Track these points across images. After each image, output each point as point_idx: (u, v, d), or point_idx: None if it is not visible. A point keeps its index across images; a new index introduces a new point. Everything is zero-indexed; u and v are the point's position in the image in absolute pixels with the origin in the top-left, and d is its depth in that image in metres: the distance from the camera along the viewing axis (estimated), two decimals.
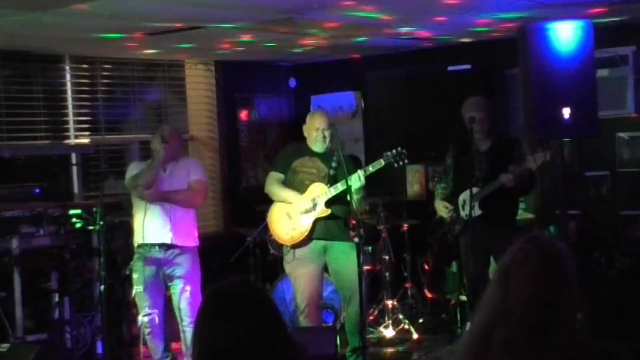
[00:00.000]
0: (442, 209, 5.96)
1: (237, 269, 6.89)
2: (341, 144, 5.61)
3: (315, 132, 5.65)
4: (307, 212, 5.59)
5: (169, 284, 5.59)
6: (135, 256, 5.58)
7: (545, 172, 5.68)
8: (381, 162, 5.54)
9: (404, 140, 7.80)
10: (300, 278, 5.67)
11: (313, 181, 5.67)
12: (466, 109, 5.76)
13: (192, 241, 5.65)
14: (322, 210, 5.59)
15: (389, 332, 6.73)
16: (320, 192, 5.61)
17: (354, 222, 5.64)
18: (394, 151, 5.58)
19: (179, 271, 5.53)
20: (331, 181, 5.62)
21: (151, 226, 5.50)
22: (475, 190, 5.64)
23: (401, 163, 5.62)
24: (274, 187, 5.77)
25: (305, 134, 5.77)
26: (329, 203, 5.59)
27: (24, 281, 5.85)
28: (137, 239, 5.58)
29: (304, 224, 5.61)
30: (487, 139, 5.81)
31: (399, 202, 7.48)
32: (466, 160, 5.75)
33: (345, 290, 5.64)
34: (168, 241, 5.50)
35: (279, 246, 6.01)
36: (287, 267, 5.79)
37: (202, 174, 5.79)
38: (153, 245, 5.50)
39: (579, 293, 2.28)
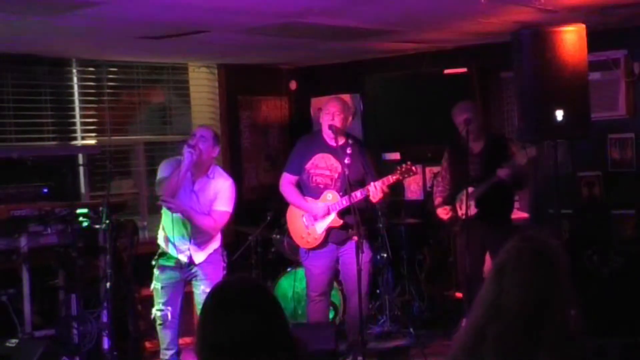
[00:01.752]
0: (441, 212, 6.04)
1: (240, 267, 6.89)
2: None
3: (330, 116, 5.54)
4: (322, 217, 5.58)
5: (192, 282, 5.54)
6: (159, 252, 5.47)
7: (533, 168, 5.73)
8: (390, 180, 5.44)
9: (402, 141, 7.85)
10: (313, 269, 5.71)
11: (327, 185, 5.63)
12: (457, 113, 5.81)
13: (213, 244, 5.47)
14: (334, 221, 5.59)
15: (387, 328, 6.73)
16: (333, 201, 5.58)
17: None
18: (403, 166, 5.52)
19: (199, 276, 5.46)
20: (345, 182, 5.52)
21: (173, 236, 5.36)
22: (470, 190, 5.66)
23: (407, 177, 5.63)
24: (288, 192, 5.73)
25: (321, 120, 5.68)
26: (341, 213, 5.57)
27: (32, 278, 5.85)
28: (161, 242, 5.48)
29: (318, 232, 5.62)
30: (479, 140, 5.85)
31: (397, 202, 7.49)
32: (461, 162, 5.77)
33: (349, 284, 5.66)
34: (186, 260, 5.37)
35: (295, 248, 6.04)
36: (303, 261, 5.83)
37: (229, 204, 5.40)
38: (174, 257, 5.43)
39: (572, 290, 2.29)
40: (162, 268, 5.44)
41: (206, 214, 5.33)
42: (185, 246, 5.36)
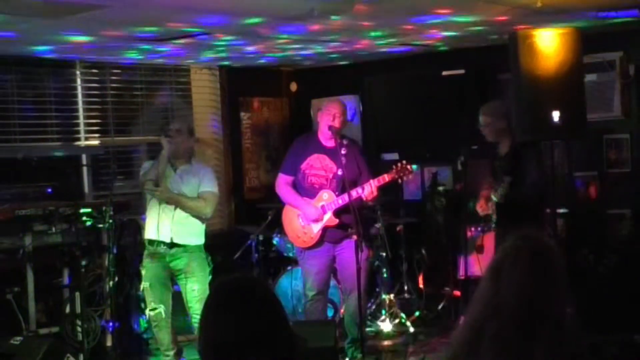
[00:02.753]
0: (479, 207, 5.81)
1: (241, 265, 6.89)
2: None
3: (331, 117, 5.51)
4: (315, 221, 5.60)
5: (177, 280, 5.60)
6: (145, 252, 5.59)
7: (506, 207, 5.58)
8: (385, 178, 5.47)
9: (400, 141, 7.85)
10: (310, 269, 5.69)
11: (322, 185, 5.62)
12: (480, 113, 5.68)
13: (195, 239, 5.57)
14: (330, 220, 5.58)
15: (386, 326, 6.72)
16: (328, 200, 5.58)
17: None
18: (398, 165, 5.52)
19: (183, 269, 5.51)
20: (340, 182, 5.53)
21: (155, 224, 5.50)
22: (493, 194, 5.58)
23: (405, 178, 5.61)
24: (284, 192, 5.72)
25: (318, 119, 5.66)
26: (337, 212, 5.57)
27: (36, 277, 5.86)
28: (145, 235, 5.61)
29: (314, 231, 5.61)
30: (503, 142, 5.66)
31: (395, 202, 7.49)
32: (490, 162, 5.73)
33: (347, 282, 5.65)
34: (168, 240, 5.46)
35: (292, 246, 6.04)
36: (299, 260, 5.82)
37: (214, 185, 5.63)
38: (158, 242, 5.51)
39: (568, 288, 2.28)
40: (149, 265, 5.53)
41: (194, 197, 5.51)
42: (168, 226, 5.46)
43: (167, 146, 5.44)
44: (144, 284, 5.55)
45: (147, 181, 5.48)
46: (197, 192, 5.51)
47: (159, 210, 5.48)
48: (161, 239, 5.49)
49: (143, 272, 5.56)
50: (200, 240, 5.60)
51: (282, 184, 5.74)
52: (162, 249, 5.49)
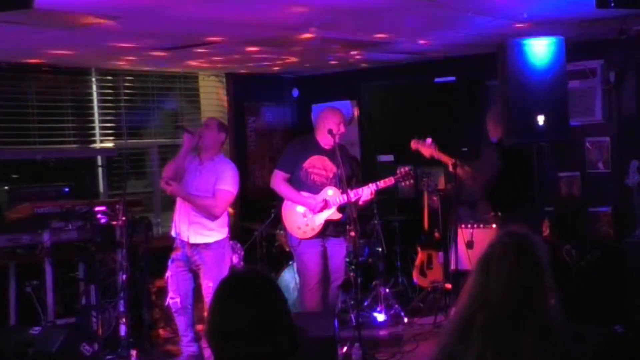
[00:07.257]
0: None
1: (246, 260, 6.89)
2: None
3: (337, 127, 5.50)
4: (321, 210, 5.57)
5: (199, 273, 5.60)
6: (173, 245, 5.62)
7: None
8: (391, 181, 5.53)
9: (395, 144, 7.84)
10: (306, 259, 5.67)
11: (324, 183, 5.62)
12: None
13: (216, 235, 5.52)
14: (334, 214, 5.59)
15: (381, 316, 6.72)
16: (333, 196, 5.58)
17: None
18: (402, 171, 5.54)
19: (201, 265, 5.51)
20: (339, 181, 5.57)
21: (178, 222, 5.52)
22: None
23: (407, 183, 5.66)
24: (284, 188, 5.66)
25: (321, 125, 5.62)
26: (340, 208, 5.57)
27: (54, 271, 5.85)
28: (171, 231, 5.64)
29: (317, 224, 5.60)
30: None
31: (391, 200, 7.48)
32: None
33: (334, 272, 5.74)
34: (186, 239, 5.49)
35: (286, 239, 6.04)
36: (295, 251, 5.77)
37: (231, 184, 5.49)
38: (180, 240, 5.52)
39: (552, 282, 2.28)
40: (172, 259, 5.57)
41: (209, 197, 5.44)
42: (185, 227, 5.46)
43: (186, 141, 5.42)
44: (167, 274, 5.59)
45: (163, 177, 5.49)
46: (213, 189, 5.47)
47: (179, 207, 5.53)
48: (181, 238, 5.51)
49: (169, 262, 5.59)
50: (220, 235, 5.53)
51: (279, 181, 5.68)
52: (183, 246, 5.51)
